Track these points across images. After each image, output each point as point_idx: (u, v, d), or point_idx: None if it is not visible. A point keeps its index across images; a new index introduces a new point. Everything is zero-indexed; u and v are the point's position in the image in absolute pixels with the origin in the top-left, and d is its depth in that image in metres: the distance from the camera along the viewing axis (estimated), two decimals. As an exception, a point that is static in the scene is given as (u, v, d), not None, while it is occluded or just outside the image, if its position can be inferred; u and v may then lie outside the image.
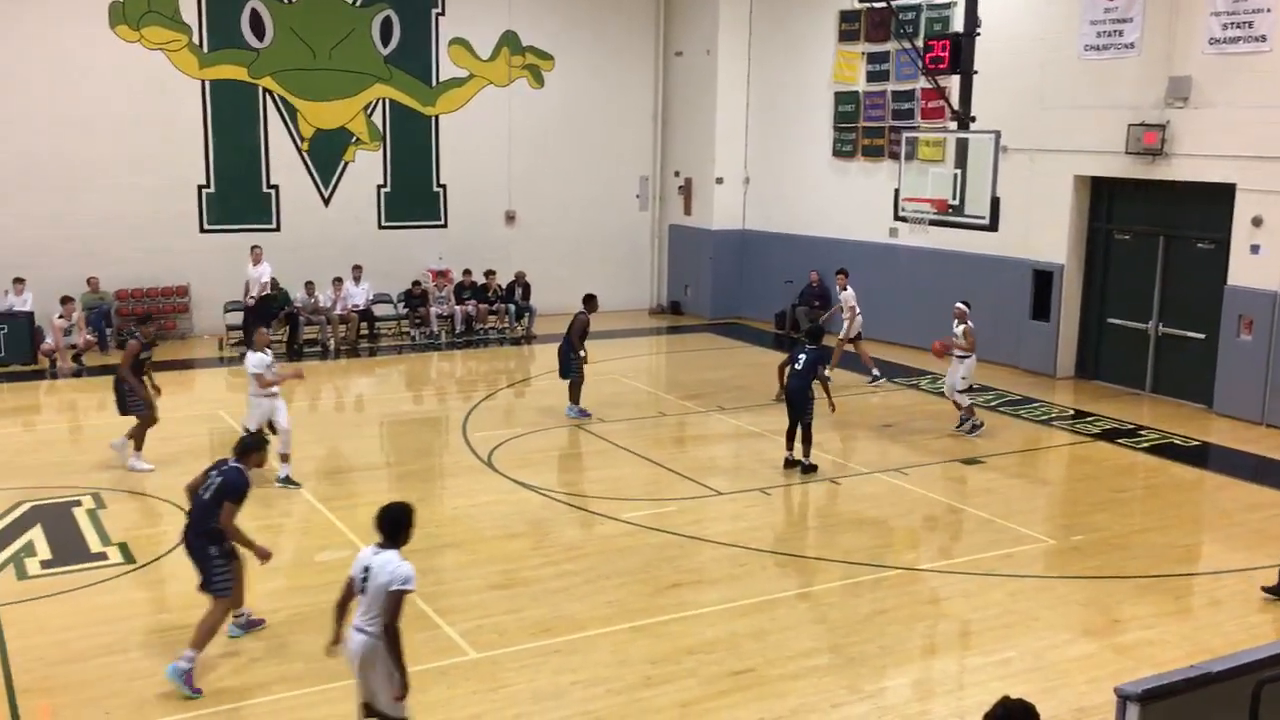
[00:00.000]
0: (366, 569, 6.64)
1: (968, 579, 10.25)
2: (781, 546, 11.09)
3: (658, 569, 10.38)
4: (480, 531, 11.51)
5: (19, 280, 19.17)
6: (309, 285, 21.06)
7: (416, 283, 22.25)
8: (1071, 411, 16.83)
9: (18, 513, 11.55)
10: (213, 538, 8.16)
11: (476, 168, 23.55)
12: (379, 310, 22.05)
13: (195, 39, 20.79)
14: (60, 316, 18.63)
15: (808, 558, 10.88)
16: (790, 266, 23.28)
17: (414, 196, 23.19)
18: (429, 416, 17.45)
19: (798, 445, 13.44)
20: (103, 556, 10.48)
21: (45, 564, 10.27)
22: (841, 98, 22.39)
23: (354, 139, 22.48)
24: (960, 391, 15.29)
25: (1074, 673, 8.50)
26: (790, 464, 13.50)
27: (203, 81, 20.97)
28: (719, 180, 24.48)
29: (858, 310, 18.66)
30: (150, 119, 20.48)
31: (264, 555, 8.35)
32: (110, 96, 20.09)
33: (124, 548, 10.62)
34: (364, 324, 21.55)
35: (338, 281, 21.38)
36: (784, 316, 23.19)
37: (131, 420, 13.19)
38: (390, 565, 6.56)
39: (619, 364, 19.63)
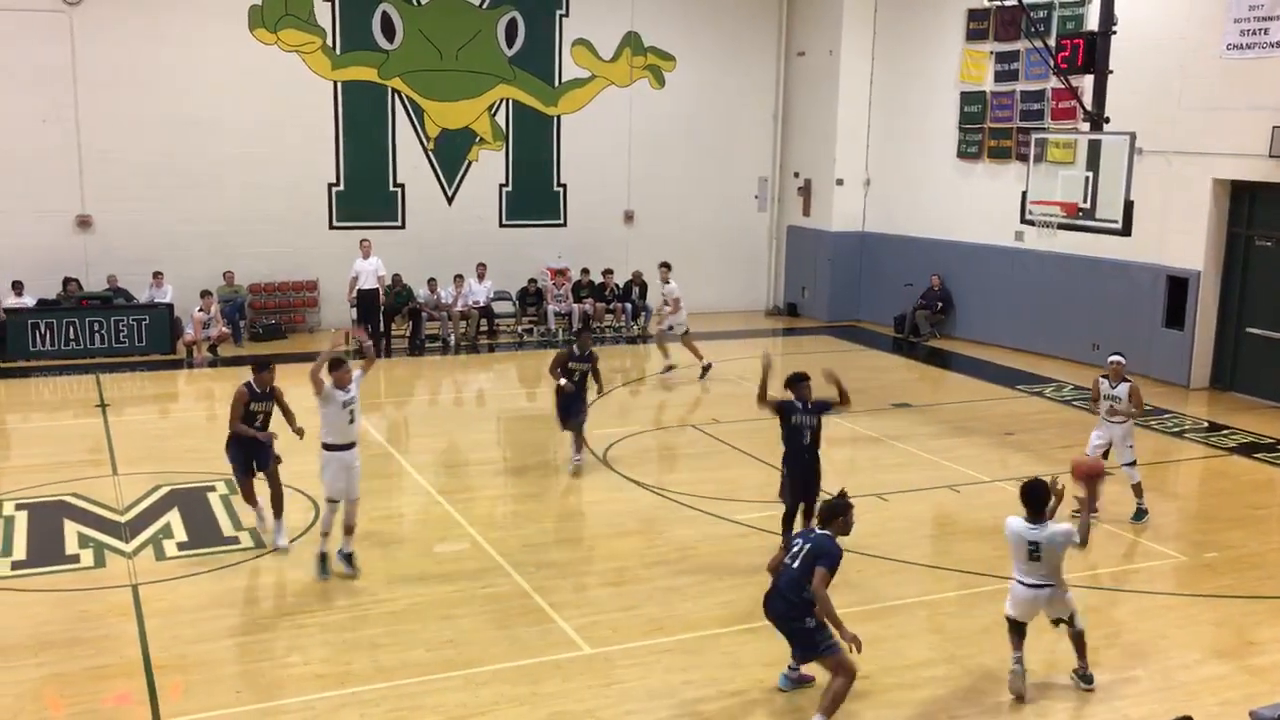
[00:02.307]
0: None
1: (1092, 594, 9.94)
2: (898, 553, 10.92)
3: (772, 572, 10.30)
4: (593, 529, 11.62)
5: (158, 274, 20.04)
6: (431, 282, 21.53)
7: (532, 280, 22.56)
8: (1206, 424, 16.19)
9: (156, 496, 12.07)
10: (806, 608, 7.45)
11: (596, 167, 23.76)
12: (498, 307, 22.41)
13: (329, 41, 21.44)
14: (200, 309, 19.41)
15: (925, 565, 10.71)
16: (911, 269, 22.91)
17: (535, 195, 23.52)
18: (545, 413, 17.63)
19: None
20: (235, 541, 10.88)
21: (181, 546, 10.71)
22: (968, 98, 21.93)
23: (478, 139, 22.90)
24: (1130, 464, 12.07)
25: (1204, 694, 8.19)
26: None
27: (335, 83, 21.62)
28: (839, 181, 24.22)
29: (682, 304, 18.90)
30: (284, 119, 21.19)
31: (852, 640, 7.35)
32: (247, 97, 20.83)
33: (254, 533, 11.00)
34: (484, 321, 21.93)
35: (459, 278, 21.80)
36: (903, 320, 22.83)
37: None
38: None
39: (734, 365, 19.56)
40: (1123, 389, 11.81)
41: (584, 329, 15.36)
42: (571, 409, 13.34)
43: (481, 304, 21.94)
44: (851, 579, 10.17)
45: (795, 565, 7.51)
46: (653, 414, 16.35)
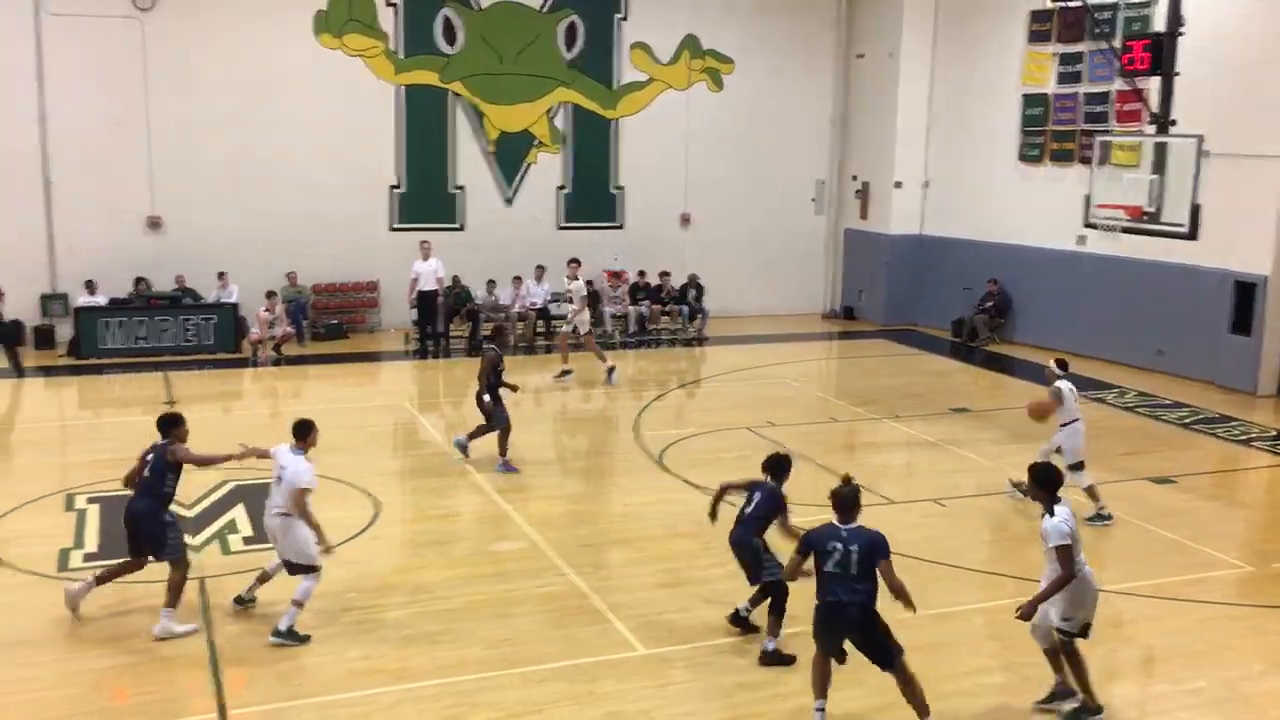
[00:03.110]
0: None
1: (1154, 603, 9.81)
2: (956, 559, 10.85)
3: (827, 576, 10.29)
4: (648, 530, 11.66)
5: (224, 274, 20.45)
6: (490, 284, 21.74)
7: (589, 282, 22.66)
8: (1274, 432, 15.88)
9: (221, 492, 12.32)
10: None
11: (653, 170, 23.83)
12: (555, 309, 22.54)
13: (391, 45, 21.74)
14: (265, 309, 19.77)
15: (983, 572, 10.62)
16: (969, 273, 22.71)
17: (592, 198, 23.65)
18: (600, 414, 17.75)
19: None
20: (297, 536, 11.07)
21: (246, 540, 10.94)
22: (1030, 100, 21.69)
23: (536, 141, 23.08)
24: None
25: (1270, 707, 8.05)
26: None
27: (397, 86, 21.91)
28: (898, 184, 24.08)
29: (588, 303, 18.85)
30: (347, 122, 21.52)
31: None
32: (311, 101, 21.18)
33: (317, 529, 11.15)
34: (541, 322, 22.08)
35: (517, 280, 21.98)
36: (962, 324, 22.63)
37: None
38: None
39: (789, 368, 19.55)
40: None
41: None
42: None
43: (539, 305, 22.10)
44: (908, 584, 10.13)
45: (853, 571, 7.28)
46: (707, 416, 16.37)
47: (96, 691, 8.00)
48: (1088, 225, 16.82)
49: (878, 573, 7.29)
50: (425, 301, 20.62)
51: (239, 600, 9.33)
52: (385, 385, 19.17)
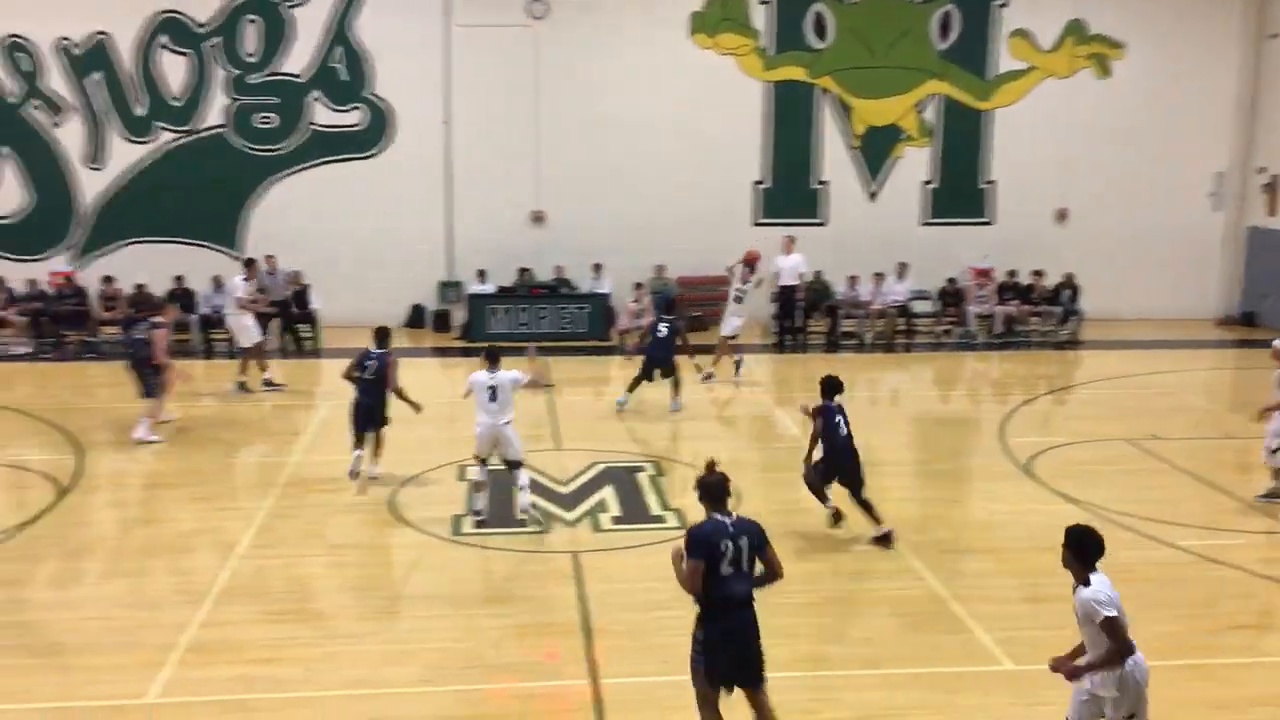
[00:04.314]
0: None
1: None
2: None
3: (1220, 605, 9.46)
4: (1012, 540, 11.15)
5: (598, 265, 21.61)
6: (851, 279, 21.59)
7: (952, 279, 22.00)
8: None
9: (592, 473, 13.05)
10: None
11: (1028, 163, 22.71)
12: (917, 306, 22.06)
13: (761, 43, 22.07)
14: (633, 300, 20.71)
15: None
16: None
17: (960, 192, 22.90)
18: (962, 417, 17.19)
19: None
20: (661, 520, 11.55)
21: (615, 520, 11.54)
22: None
23: (903, 135, 22.64)
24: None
25: None
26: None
27: (765, 83, 22.21)
28: (1314, 177, 21.57)
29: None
30: (715, 120, 22.05)
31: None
32: (683, 100, 21.88)
33: (679, 514, 11.60)
34: (901, 319, 21.67)
35: (878, 276, 21.68)
36: (1389, 336, 19.90)
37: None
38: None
39: (1175, 377, 18.05)
40: None
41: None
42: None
43: (900, 302, 21.69)
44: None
45: (745, 568, 6.62)
46: (1080, 424, 15.40)
47: (491, 648, 8.64)
48: None
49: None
50: (786, 296, 20.79)
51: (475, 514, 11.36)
52: (743, 378, 19.49)
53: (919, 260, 22.18)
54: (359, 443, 12.41)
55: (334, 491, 12.35)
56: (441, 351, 20.52)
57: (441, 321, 22.07)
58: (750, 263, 18.04)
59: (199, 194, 21.35)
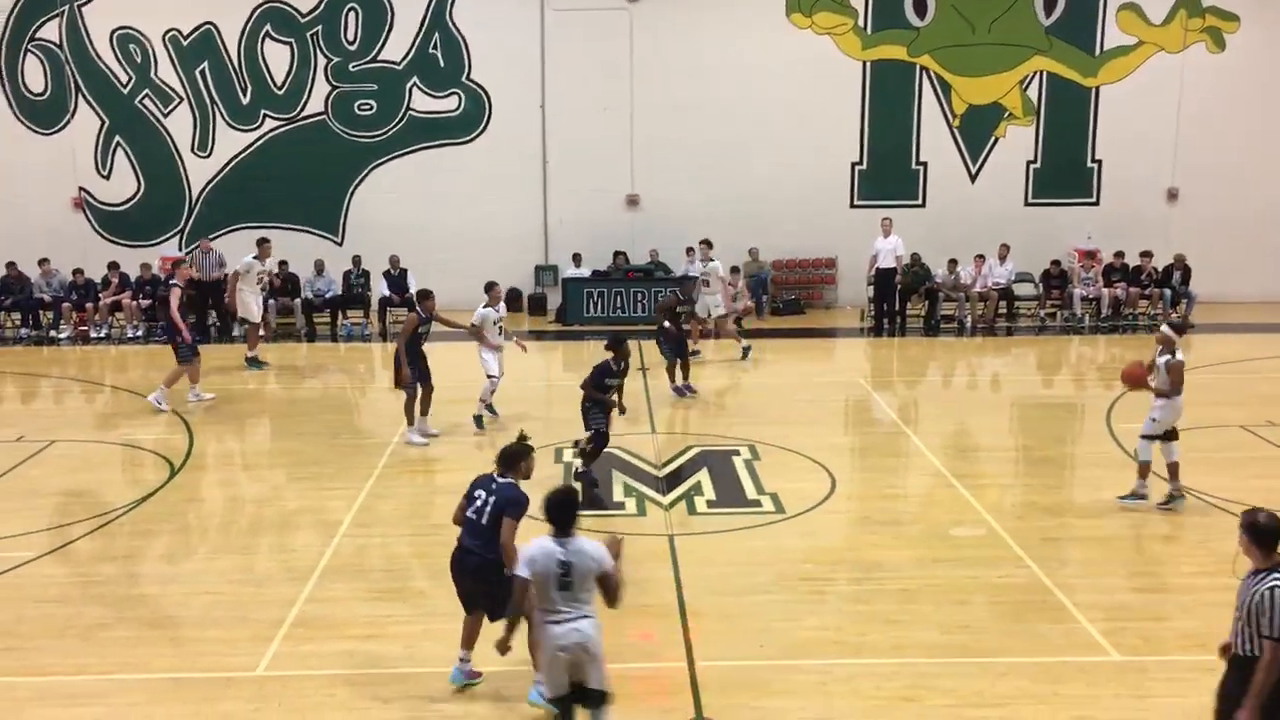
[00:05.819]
0: None
1: None
2: None
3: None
4: (1119, 529, 10.84)
5: (690, 249, 21.49)
6: (951, 262, 21.17)
7: (1055, 262, 21.44)
8: None
9: (687, 455, 13.04)
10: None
11: (1137, 141, 22.00)
12: (1019, 289, 21.54)
13: (860, 22, 21.72)
14: (729, 283, 20.58)
15: None
16: None
17: (1065, 172, 22.31)
18: (1066, 402, 16.76)
19: None
20: (756, 504, 11.47)
21: (710, 503, 11.51)
22: None
23: (1006, 114, 22.11)
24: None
25: None
26: None
27: (864, 63, 21.87)
28: None
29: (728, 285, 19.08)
30: (812, 100, 21.81)
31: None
32: (779, 81, 21.68)
33: (775, 498, 11.52)
34: (1003, 303, 21.19)
35: (979, 258, 21.23)
36: None
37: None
38: None
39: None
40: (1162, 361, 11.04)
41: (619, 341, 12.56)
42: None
43: (1002, 285, 21.20)
44: None
45: (483, 521, 7.37)
46: (1192, 410, 14.62)
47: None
48: None
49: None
50: (883, 279, 20.48)
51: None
52: (840, 362, 19.32)
53: (1022, 241, 21.64)
54: None
55: (433, 473, 12.54)
56: (538, 334, 20.69)
57: (538, 305, 22.24)
58: (707, 241, 19.20)
59: (301, 180, 21.86)
